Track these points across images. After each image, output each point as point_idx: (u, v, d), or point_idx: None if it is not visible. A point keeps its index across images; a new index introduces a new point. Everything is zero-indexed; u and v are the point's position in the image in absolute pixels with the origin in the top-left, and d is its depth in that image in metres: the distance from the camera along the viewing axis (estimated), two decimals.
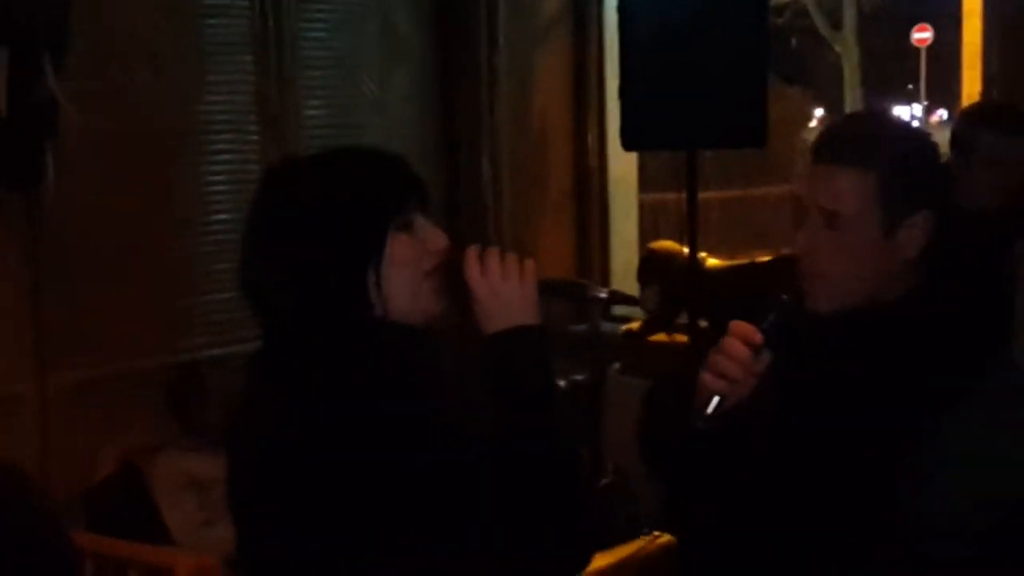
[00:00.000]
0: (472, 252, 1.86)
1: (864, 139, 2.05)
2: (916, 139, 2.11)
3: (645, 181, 7.24)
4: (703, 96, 4.59)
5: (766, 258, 5.12)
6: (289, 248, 1.83)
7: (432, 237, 1.88)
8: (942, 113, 30.55)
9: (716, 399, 1.94)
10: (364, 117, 5.73)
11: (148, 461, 4.45)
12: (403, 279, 1.84)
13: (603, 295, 2.03)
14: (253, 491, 1.86)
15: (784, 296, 2.00)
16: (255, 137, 5.32)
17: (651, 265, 5.58)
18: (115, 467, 4.48)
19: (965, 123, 3.91)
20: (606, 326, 6.15)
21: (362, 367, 1.79)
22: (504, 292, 1.83)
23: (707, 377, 1.96)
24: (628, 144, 4.94)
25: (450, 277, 1.87)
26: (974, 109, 4.15)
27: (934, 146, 2.12)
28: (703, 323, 4.84)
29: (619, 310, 6.30)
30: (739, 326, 1.97)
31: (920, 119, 28.19)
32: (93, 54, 4.68)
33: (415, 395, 1.78)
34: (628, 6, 4.79)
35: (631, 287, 6.24)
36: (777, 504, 2.07)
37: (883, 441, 1.95)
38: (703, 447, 2.06)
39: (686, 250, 5.09)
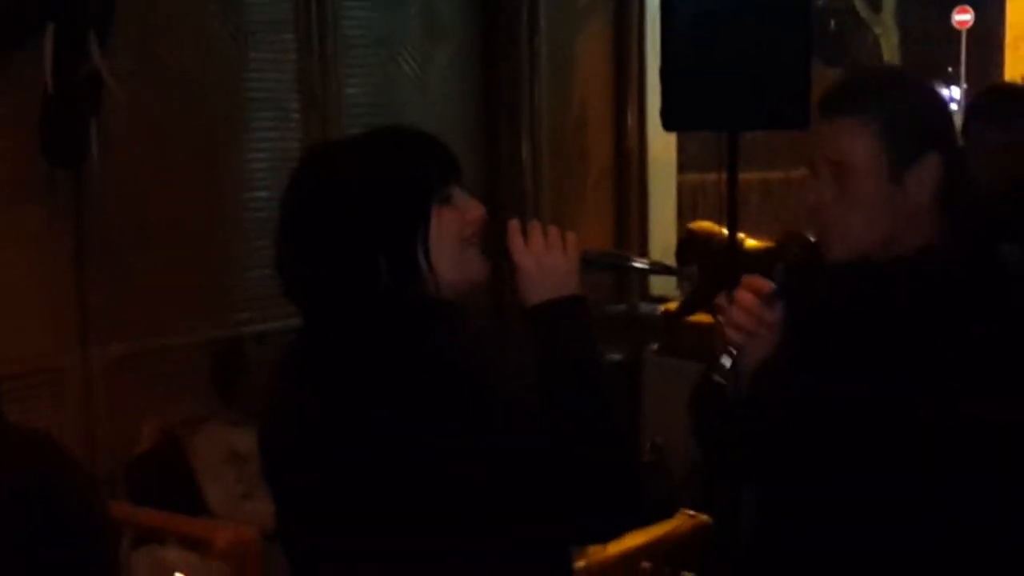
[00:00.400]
0: (515, 224, 1.90)
1: (863, 89, 2.08)
2: (916, 85, 2.11)
3: (684, 162, 7.23)
4: (745, 77, 4.56)
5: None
6: (337, 228, 1.84)
7: (470, 207, 1.91)
8: None
9: (732, 351, 2.00)
10: (405, 96, 5.74)
11: (189, 434, 4.50)
12: (448, 250, 1.87)
13: (644, 265, 2.03)
14: (291, 467, 1.88)
15: (795, 248, 2.07)
16: (296, 115, 5.34)
17: (690, 246, 5.58)
18: (157, 440, 4.53)
19: (968, 103, 3.96)
20: (644, 306, 6.16)
21: (406, 344, 1.80)
22: (548, 264, 1.86)
23: (723, 330, 2.01)
24: (669, 124, 4.93)
25: (488, 247, 1.91)
26: (982, 91, 4.14)
27: (936, 92, 2.14)
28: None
29: (657, 290, 6.31)
30: (750, 278, 2.03)
31: (959, 102, 27.96)
32: (137, 32, 4.72)
33: (457, 370, 1.79)
34: None
35: None
36: (804, 463, 2.07)
37: (901, 395, 1.96)
38: (735, 410, 2.09)
39: (725, 231, 5.09)
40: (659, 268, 2.33)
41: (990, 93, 4.02)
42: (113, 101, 4.39)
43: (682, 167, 6.96)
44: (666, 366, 5.57)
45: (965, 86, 26.87)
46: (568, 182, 6.21)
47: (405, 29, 5.74)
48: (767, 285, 2.01)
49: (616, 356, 5.66)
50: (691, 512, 4.48)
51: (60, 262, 4.57)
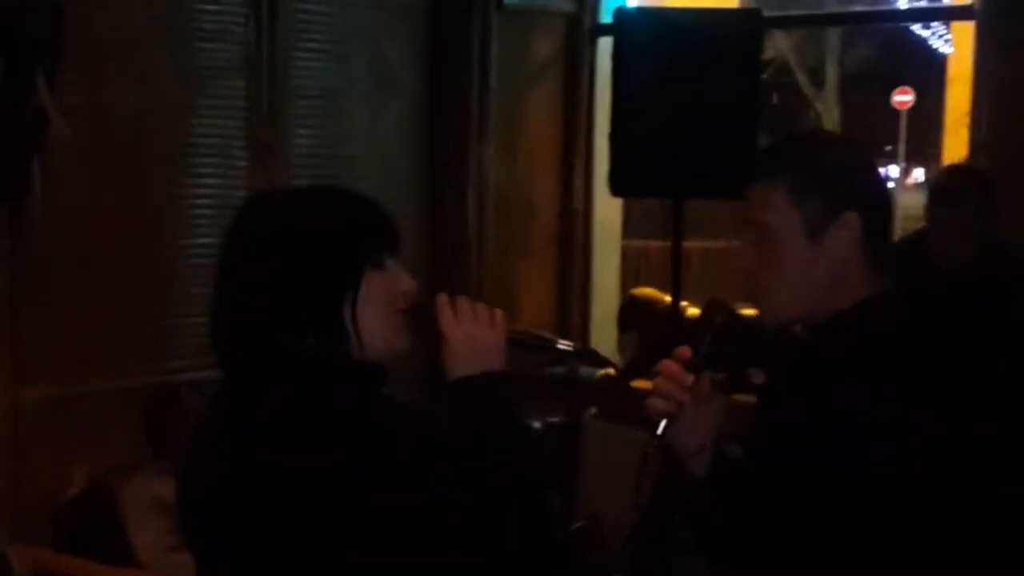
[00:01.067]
0: (444, 298, 1.91)
1: (778, 150, 2.17)
2: (833, 146, 2.15)
3: (628, 228, 7.25)
4: (693, 145, 4.60)
5: (748, 311, 5.11)
6: (266, 281, 1.83)
7: (402, 279, 1.92)
8: (918, 175, 30.78)
9: (663, 422, 2.01)
10: (353, 149, 5.73)
11: (119, 482, 4.42)
12: (377, 316, 1.86)
13: (567, 348, 2.03)
14: (208, 524, 1.86)
15: (718, 318, 2.09)
16: (243, 163, 5.30)
17: (632, 311, 5.58)
18: (85, 486, 4.44)
19: (929, 186, 4.10)
20: (584, 370, 6.13)
21: (327, 404, 1.79)
22: (477, 338, 1.88)
23: (649, 401, 2.04)
24: (617, 190, 4.94)
25: (417, 320, 1.91)
26: (938, 174, 4.28)
27: (859, 149, 2.15)
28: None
29: (600, 351, 6.29)
30: (679, 350, 2.06)
31: (896, 180, 28.39)
32: (85, 70, 4.68)
33: (379, 434, 1.77)
34: (623, 53, 4.81)
35: (611, 332, 6.24)
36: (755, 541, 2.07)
37: (824, 464, 1.94)
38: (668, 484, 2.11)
39: (668, 298, 5.09)
40: (584, 353, 2.34)
41: (943, 175, 4.13)
42: (58, 138, 4.34)
43: (625, 232, 6.97)
44: (605, 431, 5.55)
45: (903, 165, 27.34)
46: (512, 242, 6.21)
47: (355, 81, 5.74)
48: (687, 353, 2.05)
49: (554, 419, 5.64)
50: None
51: None
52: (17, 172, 4.35)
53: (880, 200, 2.09)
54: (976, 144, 4.98)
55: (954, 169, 4.13)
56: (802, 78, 23.52)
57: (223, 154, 5.27)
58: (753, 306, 2.11)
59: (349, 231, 1.87)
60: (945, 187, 4.06)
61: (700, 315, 2.16)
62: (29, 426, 4.56)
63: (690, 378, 2.03)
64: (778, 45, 21.63)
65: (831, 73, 23.88)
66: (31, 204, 4.41)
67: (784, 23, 9.25)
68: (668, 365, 2.05)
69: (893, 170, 28.02)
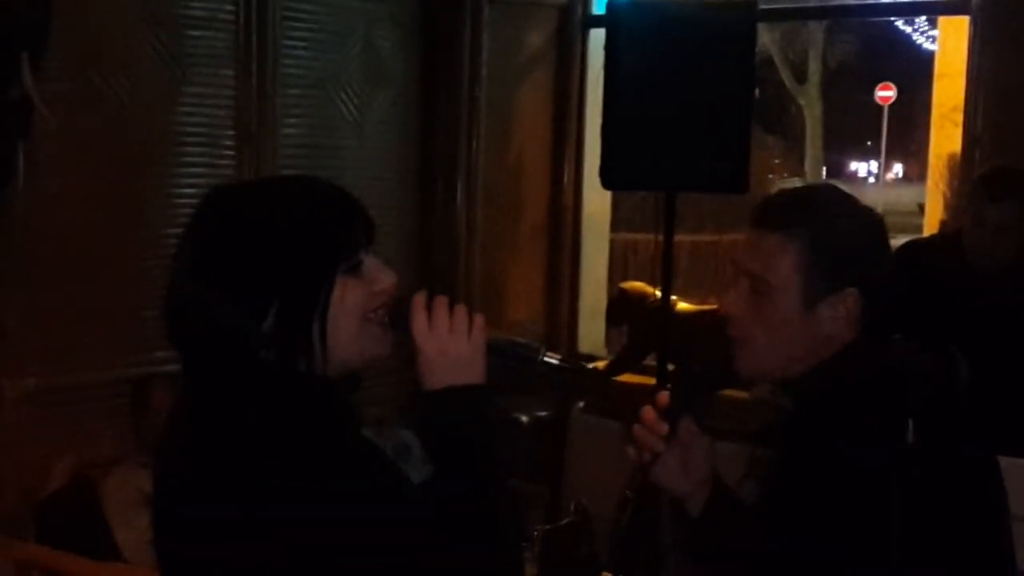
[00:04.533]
0: (419, 301, 1.77)
1: (794, 205, 2.05)
2: (850, 213, 2.03)
3: (617, 220, 7.23)
4: (686, 138, 4.57)
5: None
6: (228, 282, 1.71)
7: (379, 277, 1.79)
8: (898, 171, 30.93)
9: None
10: (342, 139, 5.68)
11: (102, 474, 4.36)
12: (347, 325, 1.74)
13: (554, 361, 1.86)
14: (164, 528, 1.78)
15: (696, 368, 2.10)
16: (230, 152, 5.25)
17: (621, 305, 5.54)
18: (68, 479, 4.38)
19: (972, 181, 4.12)
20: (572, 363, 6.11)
21: (279, 416, 1.68)
22: (451, 349, 1.75)
23: (628, 449, 2.04)
24: (608, 183, 4.91)
25: (395, 318, 1.79)
26: (983, 171, 4.28)
27: (873, 224, 2.04)
28: (671, 366, 4.80)
29: (585, 348, 6.27)
30: (658, 396, 2.03)
31: (877, 175, 28.52)
32: (72, 56, 4.64)
33: (332, 448, 1.67)
34: (615, 44, 4.77)
35: (599, 325, 6.22)
36: None
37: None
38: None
39: (657, 292, 5.05)
40: (570, 367, 2.24)
41: (990, 173, 4.13)
42: (43, 126, 4.27)
43: (614, 226, 6.95)
44: (592, 425, 5.52)
45: (883, 160, 27.44)
46: (502, 233, 6.17)
47: (345, 71, 5.69)
48: (663, 399, 2.03)
49: (542, 413, 5.61)
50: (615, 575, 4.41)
51: None
52: (3, 159, 4.28)
53: (885, 280, 2.03)
54: (970, 139, 4.95)
55: (998, 169, 4.12)
56: (785, 73, 23.53)
57: (211, 143, 5.22)
58: (732, 350, 2.04)
59: (320, 235, 1.73)
60: (992, 181, 4.03)
61: (675, 368, 2.17)
62: (10, 417, 4.50)
63: (664, 427, 2.00)
64: (761, 39, 21.64)
65: (814, 68, 23.91)
66: (14, 192, 4.35)
67: (777, 16, 9.19)
68: (646, 412, 2.02)
69: (873, 165, 28.11)
